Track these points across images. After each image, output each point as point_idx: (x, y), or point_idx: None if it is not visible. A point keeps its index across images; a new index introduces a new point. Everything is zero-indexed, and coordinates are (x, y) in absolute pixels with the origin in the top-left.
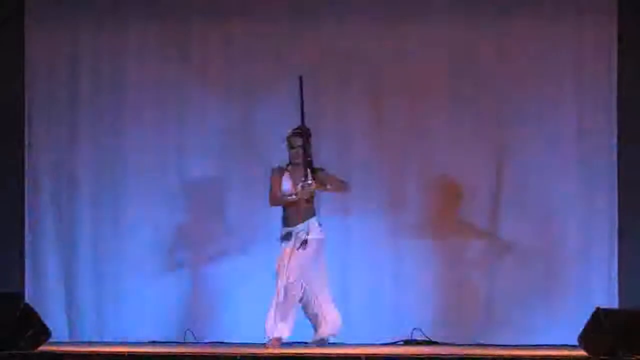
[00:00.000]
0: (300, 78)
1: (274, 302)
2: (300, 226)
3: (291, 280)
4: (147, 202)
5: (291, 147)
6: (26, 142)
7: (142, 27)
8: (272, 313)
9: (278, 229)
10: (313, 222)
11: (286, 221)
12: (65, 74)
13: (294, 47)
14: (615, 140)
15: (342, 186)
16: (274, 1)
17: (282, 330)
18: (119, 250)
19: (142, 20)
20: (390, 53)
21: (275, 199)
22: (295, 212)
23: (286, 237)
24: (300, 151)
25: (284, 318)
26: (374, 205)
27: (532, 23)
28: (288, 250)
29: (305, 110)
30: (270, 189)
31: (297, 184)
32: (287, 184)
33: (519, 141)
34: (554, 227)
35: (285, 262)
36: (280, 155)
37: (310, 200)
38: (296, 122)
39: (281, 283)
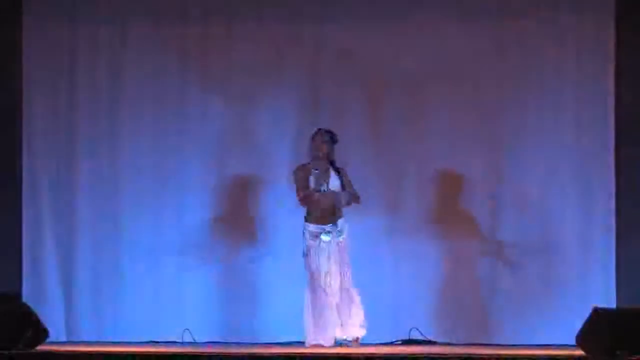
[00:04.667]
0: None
1: (310, 306)
2: (332, 226)
3: (331, 280)
4: (145, 202)
5: (314, 142)
6: (24, 143)
7: (141, 29)
8: (310, 318)
9: (279, 229)
10: (343, 222)
11: (318, 219)
12: (63, 76)
13: (294, 47)
14: (613, 141)
15: (354, 201)
16: (274, 1)
17: (325, 338)
18: (116, 250)
19: (141, 21)
20: (389, 52)
21: (304, 196)
22: (327, 210)
23: (318, 235)
24: (324, 147)
25: (325, 323)
26: (372, 205)
27: (531, 23)
28: (325, 248)
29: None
30: (297, 188)
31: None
32: (313, 180)
33: (518, 141)
34: (553, 227)
35: (321, 261)
36: (281, 155)
37: None
38: (295, 122)
39: (322, 283)
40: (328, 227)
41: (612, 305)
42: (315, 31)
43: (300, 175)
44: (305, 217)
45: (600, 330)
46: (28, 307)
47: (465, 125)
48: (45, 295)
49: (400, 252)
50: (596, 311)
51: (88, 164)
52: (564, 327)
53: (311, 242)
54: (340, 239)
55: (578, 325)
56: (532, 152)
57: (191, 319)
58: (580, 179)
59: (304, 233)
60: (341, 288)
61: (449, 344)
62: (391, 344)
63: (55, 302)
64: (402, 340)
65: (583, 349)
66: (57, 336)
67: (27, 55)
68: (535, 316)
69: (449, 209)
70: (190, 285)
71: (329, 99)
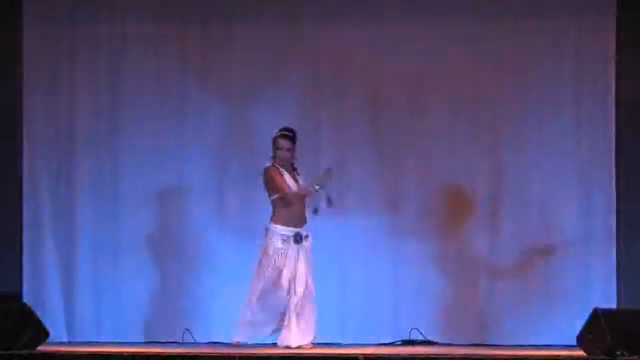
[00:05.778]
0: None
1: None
2: (305, 227)
3: (300, 284)
4: (145, 201)
5: (280, 148)
6: (24, 143)
7: (141, 29)
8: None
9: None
10: (308, 227)
11: (291, 222)
12: (63, 76)
13: (294, 47)
14: (613, 141)
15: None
16: (274, 1)
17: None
18: (117, 250)
19: (141, 21)
20: (389, 53)
21: (293, 193)
22: (300, 213)
23: (289, 238)
24: (289, 155)
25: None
26: (372, 206)
27: (531, 23)
28: (294, 252)
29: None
30: (281, 186)
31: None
32: (291, 182)
33: (518, 141)
34: (553, 227)
35: (291, 264)
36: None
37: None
38: (295, 122)
39: (290, 287)
40: (301, 231)
41: (613, 305)
42: (315, 31)
43: (280, 177)
44: (272, 219)
45: (600, 331)
46: (28, 307)
47: (465, 125)
48: (45, 295)
49: (400, 252)
50: (596, 311)
51: (88, 164)
52: (564, 327)
53: (280, 245)
54: (306, 243)
55: (578, 325)
56: (532, 152)
57: (191, 319)
58: (581, 179)
59: (269, 236)
60: (300, 291)
61: (449, 345)
62: (391, 344)
63: (55, 302)
64: (402, 340)
65: (584, 349)
66: (57, 336)
67: (27, 55)
68: (535, 316)
69: (449, 209)
70: (191, 286)
71: (329, 99)
